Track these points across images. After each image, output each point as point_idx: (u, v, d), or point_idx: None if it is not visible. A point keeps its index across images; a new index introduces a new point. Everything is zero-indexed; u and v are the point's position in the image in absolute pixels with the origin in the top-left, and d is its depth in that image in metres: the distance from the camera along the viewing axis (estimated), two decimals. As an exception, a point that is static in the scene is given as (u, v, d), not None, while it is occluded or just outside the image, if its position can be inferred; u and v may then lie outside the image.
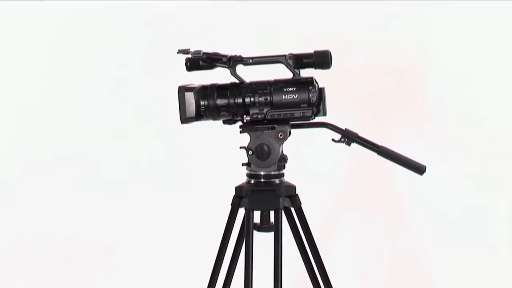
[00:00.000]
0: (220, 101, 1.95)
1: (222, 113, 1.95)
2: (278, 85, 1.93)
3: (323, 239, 2.49)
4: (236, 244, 2.10)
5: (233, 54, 1.95)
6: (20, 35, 2.92)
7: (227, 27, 2.79)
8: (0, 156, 2.96)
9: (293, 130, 1.97)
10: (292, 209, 2.02)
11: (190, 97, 1.94)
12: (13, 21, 2.91)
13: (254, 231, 1.95)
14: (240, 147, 1.95)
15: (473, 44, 2.71)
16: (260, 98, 1.92)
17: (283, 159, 1.98)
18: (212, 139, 2.60)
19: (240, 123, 1.97)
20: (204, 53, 1.94)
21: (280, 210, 1.94)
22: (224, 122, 1.99)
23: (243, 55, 1.95)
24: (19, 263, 2.97)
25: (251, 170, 1.97)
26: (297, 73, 1.93)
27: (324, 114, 1.95)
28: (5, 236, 2.97)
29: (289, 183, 2.00)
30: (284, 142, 1.96)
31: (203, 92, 1.96)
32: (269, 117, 1.93)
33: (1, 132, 2.96)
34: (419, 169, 1.98)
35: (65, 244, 2.94)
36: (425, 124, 2.75)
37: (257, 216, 1.98)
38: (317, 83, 1.93)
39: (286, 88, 1.92)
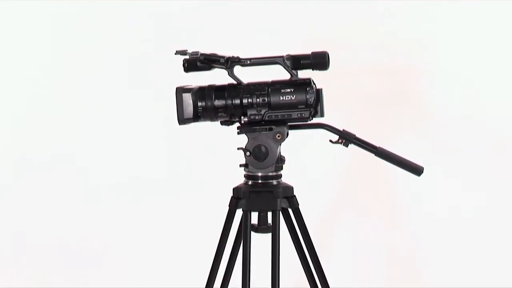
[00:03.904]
0: (217, 102, 1.94)
1: (219, 114, 1.95)
2: (275, 86, 1.93)
3: (320, 240, 2.49)
4: (233, 245, 2.09)
5: (231, 55, 1.95)
6: (17, 35, 2.92)
7: (225, 28, 2.79)
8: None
9: (290, 131, 1.97)
10: (290, 210, 2.02)
11: (187, 98, 1.94)
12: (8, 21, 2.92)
13: (252, 232, 1.95)
14: (238, 148, 1.95)
15: (471, 44, 2.72)
16: (258, 99, 1.92)
17: (280, 160, 1.98)
18: (209, 140, 2.60)
19: (237, 124, 1.97)
20: (201, 54, 1.94)
21: (277, 211, 1.94)
22: (222, 123, 1.99)
23: (241, 56, 1.95)
24: (16, 265, 2.97)
25: (248, 171, 1.96)
26: (294, 74, 1.93)
27: (322, 115, 1.95)
28: (2, 239, 2.97)
29: (286, 184, 2.00)
30: (282, 143, 1.95)
31: (201, 93, 1.95)
32: (266, 118, 1.93)
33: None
34: (417, 170, 1.98)
35: (64, 246, 2.94)
36: (423, 125, 2.75)
37: (254, 217, 1.98)
38: (314, 84, 1.93)
39: (284, 89, 1.92)
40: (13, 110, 2.94)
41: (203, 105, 1.95)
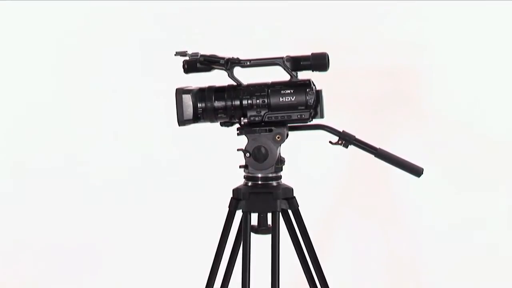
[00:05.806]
0: (217, 104, 1.94)
1: (219, 115, 1.95)
2: (275, 87, 1.92)
3: (320, 241, 2.49)
4: (233, 247, 2.09)
5: (231, 56, 1.95)
6: (19, 38, 2.92)
7: (225, 29, 2.79)
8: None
9: (290, 132, 1.97)
10: (290, 211, 2.02)
11: (187, 99, 1.94)
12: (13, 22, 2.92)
13: (252, 234, 1.95)
14: (238, 149, 1.95)
15: (470, 45, 2.72)
16: (258, 100, 1.92)
17: (280, 161, 1.98)
18: (209, 141, 2.60)
19: (237, 125, 1.97)
20: (201, 56, 1.94)
21: (277, 213, 1.94)
22: (222, 124, 1.99)
23: (241, 57, 1.95)
24: (15, 267, 2.97)
25: (248, 173, 1.97)
26: (294, 75, 1.93)
27: (322, 116, 1.95)
28: (3, 239, 2.97)
29: (286, 185, 2.00)
30: (282, 144, 1.95)
31: (201, 94, 1.95)
32: (266, 119, 1.93)
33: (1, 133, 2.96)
34: (417, 171, 1.98)
35: (64, 247, 2.95)
36: (423, 126, 2.75)
37: (254, 218, 1.98)
38: (314, 85, 1.93)
39: (284, 90, 1.92)
40: (12, 112, 2.94)
41: (203, 106, 1.95)
